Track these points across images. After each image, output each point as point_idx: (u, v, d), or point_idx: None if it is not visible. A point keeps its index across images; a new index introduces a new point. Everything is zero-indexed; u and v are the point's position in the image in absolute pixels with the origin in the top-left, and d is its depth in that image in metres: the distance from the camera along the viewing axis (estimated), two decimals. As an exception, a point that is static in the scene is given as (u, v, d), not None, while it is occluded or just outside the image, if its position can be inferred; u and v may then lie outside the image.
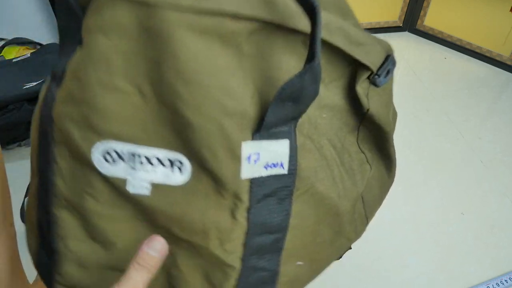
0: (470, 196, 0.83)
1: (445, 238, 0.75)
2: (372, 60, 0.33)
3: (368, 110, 0.35)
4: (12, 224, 0.48)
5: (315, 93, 0.27)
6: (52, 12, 1.06)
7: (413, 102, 1.08)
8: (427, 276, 0.69)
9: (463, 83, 1.16)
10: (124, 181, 0.27)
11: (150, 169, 0.27)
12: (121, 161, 0.27)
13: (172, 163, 0.27)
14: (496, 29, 1.19)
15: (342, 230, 0.37)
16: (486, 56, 1.24)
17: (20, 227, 0.79)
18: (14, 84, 0.87)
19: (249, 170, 0.28)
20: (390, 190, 0.93)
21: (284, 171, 0.29)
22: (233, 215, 0.29)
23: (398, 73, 1.20)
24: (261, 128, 0.27)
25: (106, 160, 0.26)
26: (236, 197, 0.28)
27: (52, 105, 0.27)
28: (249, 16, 0.25)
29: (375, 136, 0.39)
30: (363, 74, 0.33)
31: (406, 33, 1.39)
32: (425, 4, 1.30)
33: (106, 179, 0.27)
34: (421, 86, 1.14)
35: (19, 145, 0.91)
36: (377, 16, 1.36)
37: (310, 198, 0.32)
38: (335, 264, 0.74)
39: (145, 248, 0.28)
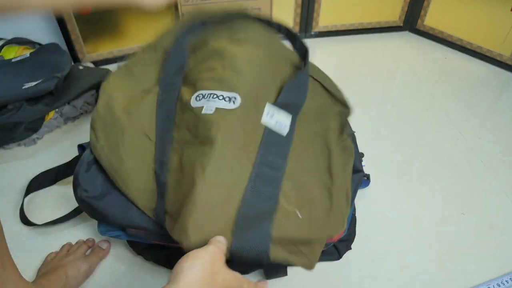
0: (470, 196, 0.83)
1: (445, 238, 0.75)
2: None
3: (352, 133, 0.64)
4: None
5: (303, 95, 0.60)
6: (51, 12, 1.06)
7: (413, 102, 1.08)
8: (427, 276, 0.69)
9: (464, 83, 1.16)
10: (201, 108, 0.53)
11: (217, 101, 0.53)
12: (203, 99, 0.54)
13: (230, 99, 0.53)
14: (497, 29, 1.18)
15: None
16: (486, 56, 1.24)
17: (20, 228, 0.79)
18: (13, 84, 0.87)
19: (266, 120, 0.54)
20: (390, 189, 0.93)
21: (286, 130, 0.54)
22: (254, 134, 0.53)
23: (398, 72, 1.20)
24: (276, 101, 0.56)
25: (196, 99, 0.55)
26: (258, 124, 0.54)
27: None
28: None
29: None
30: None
31: (406, 33, 1.39)
32: (425, 4, 1.30)
33: (192, 110, 0.54)
34: (421, 86, 1.14)
35: (18, 145, 0.91)
36: (377, 16, 1.35)
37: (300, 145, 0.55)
38: (335, 264, 0.75)
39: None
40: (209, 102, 0.52)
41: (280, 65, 0.61)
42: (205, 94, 0.54)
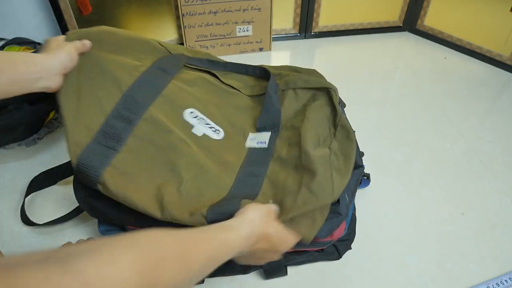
0: (470, 196, 0.83)
1: (445, 238, 0.75)
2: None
3: (340, 119, 0.66)
4: None
5: (277, 110, 0.69)
6: (52, 12, 1.06)
7: (413, 101, 1.08)
8: (427, 276, 0.69)
9: (463, 83, 1.16)
10: (192, 127, 0.61)
11: (206, 127, 0.63)
12: (195, 119, 0.63)
13: (215, 130, 0.64)
14: (496, 29, 1.19)
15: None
16: (486, 56, 1.24)
17: (21, 228, 0.79)
18: (14, 84, 0.86)
19: (249, 143, 0.66)
20: (390, 189, 0.94)
21: (266, 145, 0.65)
22: (239, 156, 0.63)
23: (397, 72, 1.20)
24: (257, 128, 0.69)
25: (190, 116, 0.63)
26: (243, 148, 0.65)
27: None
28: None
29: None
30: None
31: (406, 33, 1.39)
32: (425, 4, 1.30)
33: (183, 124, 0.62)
34: (421, 86, 1.14)
35: (19, 145, 0.91)
36: (377, 16, 1.36)
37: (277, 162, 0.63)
38: (335, 264, 0.75)
39: None
40: (200, 126, 0.62)
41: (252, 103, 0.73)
42: (199, 116, 0.63)
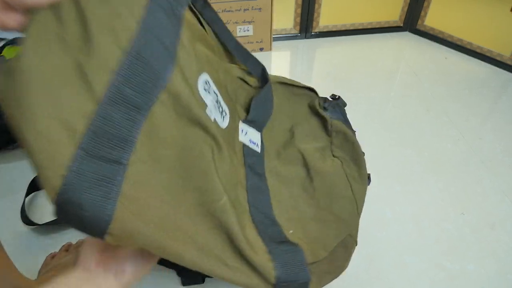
0: (470, 196, 0.83)
1: (445, 238, 0.75)
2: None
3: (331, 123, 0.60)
4: None
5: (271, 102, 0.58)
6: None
7: (413, 102, 1.08)
8: (427, 276, 0.69)
9: (464, 83, 1.16)
10: (205, 107, 0.39)
11: (216, 109, 0.43)
12: (208, 94, 0.41)
13: (222, 112, 0.45)
14: (497, 29, 1.19)
15: None
16: (486, 56, 1.24)
17: (21, 228, 0.79)
18: (14, 84, 0.87)
19: (242, 137, 0.52)
20: (390, 189, 0.93)
21: (258, 149, 0.53)
22: (239, 154, 0.50)
23: (398, 73, 1.20)
24: (246, 118, 0.53)
25: (204, 89, 0.40)
26: (238, 147, 0.50)
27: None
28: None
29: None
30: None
31: (407, 33, 1.39)
32: (425, 4, 1.30)
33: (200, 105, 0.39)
34: (422, 86, 1.14)
35: (20, 145, 0.91)
36: (377, 16, 1.36)
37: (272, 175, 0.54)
38: (335, 264, 0.73)
39: None
40: (212, 107, 0.41)
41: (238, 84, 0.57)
42: (211, 89, 0.41)
